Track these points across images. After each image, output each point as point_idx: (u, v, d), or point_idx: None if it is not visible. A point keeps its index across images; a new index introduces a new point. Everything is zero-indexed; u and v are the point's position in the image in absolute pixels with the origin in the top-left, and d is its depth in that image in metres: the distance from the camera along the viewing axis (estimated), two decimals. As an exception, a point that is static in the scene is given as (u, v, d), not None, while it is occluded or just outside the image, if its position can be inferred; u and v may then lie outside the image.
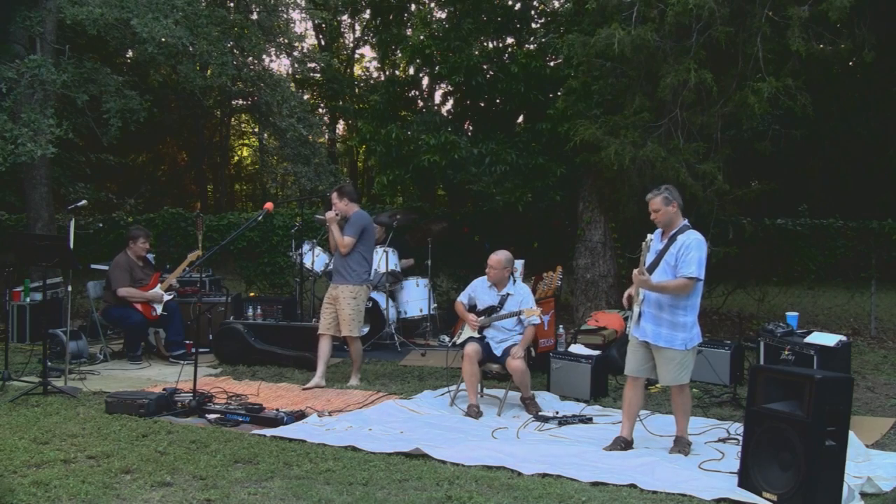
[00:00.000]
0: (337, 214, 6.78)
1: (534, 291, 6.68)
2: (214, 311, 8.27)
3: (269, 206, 6.63)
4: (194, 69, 10.89)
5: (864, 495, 4.08)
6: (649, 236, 4.86)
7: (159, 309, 7.89)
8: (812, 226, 11.11)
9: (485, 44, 10.76)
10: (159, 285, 7.96)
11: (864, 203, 13.87)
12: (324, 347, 6.76)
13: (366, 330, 8.15)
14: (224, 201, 23.34)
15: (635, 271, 4.81)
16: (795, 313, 6.31)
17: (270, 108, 12.91)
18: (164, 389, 5.98)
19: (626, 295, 5.07)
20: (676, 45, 7.39)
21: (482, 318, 6.13)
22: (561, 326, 7.46)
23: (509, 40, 11.21)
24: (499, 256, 6.12)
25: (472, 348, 5.96)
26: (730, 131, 8.42)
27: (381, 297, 8.68)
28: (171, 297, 8.03)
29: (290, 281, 10.94)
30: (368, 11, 12.84)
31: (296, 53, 15.97)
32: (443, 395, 6.37)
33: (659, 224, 4.88)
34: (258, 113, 14.89)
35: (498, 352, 6.02)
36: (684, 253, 4.72)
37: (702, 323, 5.01)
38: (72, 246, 7.00)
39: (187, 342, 7.93)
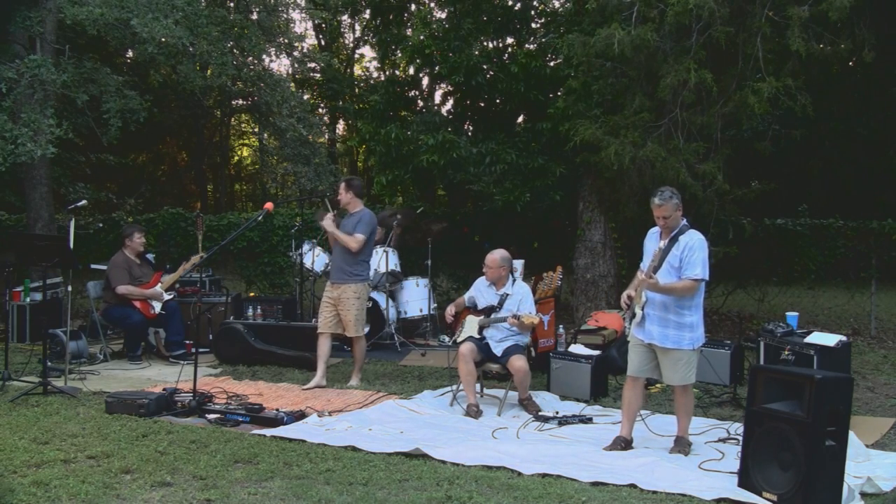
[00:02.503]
0: (335, 213, 6.74)
1: (534, 291, 6.68)
2: (214, 311, 8.27)
3: (269, 206, 6.61)
4: (194, 69, 10.89)
5: (864, 495, 4.08)
6: (662, 242, 4.82)
7: (158, 307, 7.89)
8: (812, 226, 11.11)
9: (485, 44, 10.75)
10: (160, 284, 7.96)
11: (864, 203, 13.86)
12: (323, 346, 6.74)
13: (366, 330, 8.14)
14: (224, 201, 23.34)
15: (641, 277, 4.79)
16: (795, 313, 6.30)
17: (270, 108, 12.92)
18: (164, 389, 5.98)
19: (624, 295, 5.02)
20: (676, 45, 7.40)
21: (481, 318, 6.13)
22: (561, 326, 7.46)
23: (509, 40, 11.20)
24: (494, 255, 6.12)
25: (466, 347, 5.94)
26: (730, 131, 8.42)
27: (381, 297, 8.68)
28: (171, 296, 8.04)
29: (290, 281, 10.94)
30: (368, 11, 12.83)
31: (296, 53, 16.00)
32: (443, 395, 6.37)
33: (666, 228, 4.83)
34: (258, 113, 14.91)
35: (498, 351, 6.01)
36: (688, 254, 4.71)
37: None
38: (72, 246, 7.00)
39: (187, 342, 7.93)
